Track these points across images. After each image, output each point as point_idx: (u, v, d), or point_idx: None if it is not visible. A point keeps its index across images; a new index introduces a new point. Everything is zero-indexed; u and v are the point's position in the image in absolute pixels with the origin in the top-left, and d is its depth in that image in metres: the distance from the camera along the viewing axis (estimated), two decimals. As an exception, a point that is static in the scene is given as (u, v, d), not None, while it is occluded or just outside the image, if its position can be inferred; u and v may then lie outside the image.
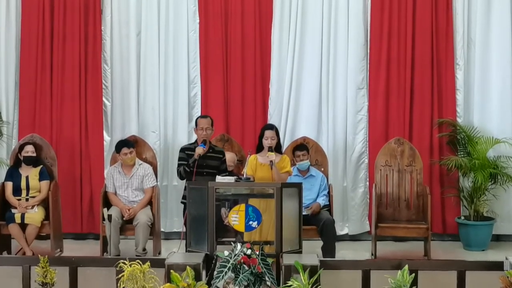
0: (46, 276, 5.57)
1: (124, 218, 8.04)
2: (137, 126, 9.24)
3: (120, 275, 5.30)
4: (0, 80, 9.24)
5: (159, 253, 8.24)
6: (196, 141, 7.86)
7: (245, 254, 5.66)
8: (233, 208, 6.64)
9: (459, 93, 9.19)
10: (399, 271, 5.27)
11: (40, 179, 8.24)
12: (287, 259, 5.94)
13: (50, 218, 8.10)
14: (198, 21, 9.25)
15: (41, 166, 8.32)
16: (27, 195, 8.20)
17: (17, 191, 8.20)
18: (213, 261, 6.14)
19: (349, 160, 9.23)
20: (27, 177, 8.23)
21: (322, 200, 8.17)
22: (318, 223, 7.89)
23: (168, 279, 5.58)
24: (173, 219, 9.19)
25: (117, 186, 8.25)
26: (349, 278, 6.20)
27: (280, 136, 7.90)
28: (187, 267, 5.56)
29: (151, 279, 5.30)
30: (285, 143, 8.90)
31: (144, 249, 7.98)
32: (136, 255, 7.68)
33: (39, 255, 5.65)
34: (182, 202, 7.87)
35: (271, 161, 7.31)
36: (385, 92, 9.16)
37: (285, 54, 9.24)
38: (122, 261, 5.36)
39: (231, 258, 5.67)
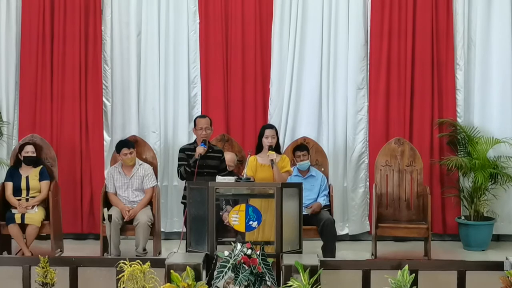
0: (46, 276, 5.57)
1: (124, 220, 8.04)
2: (137, 126, 9.25)
3: (120, 275, 5.30)
4: (0, 80, 9.24)
5: (159, 253, 8.25)
6: (195, 141, 7.86)
7: (245, 254, 5.67)
8: (233, 208, 6.65)
9: (459, 93, 9.19)
10: (399, 271, 5.27)
11: (40, 179, 8.24)
12: (287, 259, 5.95)
13: (50, 218, 8.11)
14: (198, 21, 9.25)
15: (41, 166, 8.32)
16: (27, 195, 8.20)
17: (17, 191, 8.20)
18: (213, 261, 6.14)
19: (349, 160, 9.23)
20: (27, 177, 8.23)
21: (322, 200, 8.17)
22: (319, 223, 7.89)
23: (168, 279, 5.58)
24: (173, 219, 9.19)
25: (117, 187, 8.25)
26: (349, 278, 6.20)
27: (280, 136, 7.92)
28: (187, 267, 5.56)
29: (151, 279, 5.30)
30: (285, 143, 8.90)
31: (144, 249, 7.98)
32: (136, 255, 7.68)
33: (39, 255, 5.65)
34: (182, 202, 7.89)
35: (272, 160, 7.31)
36: (385, 92, 9.16)
37: (285, 54, 9.24)
38: (122, 261, 5.36)
39: (231, 258, 5.68)
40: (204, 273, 6.04)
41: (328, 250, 7.81)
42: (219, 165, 7.73)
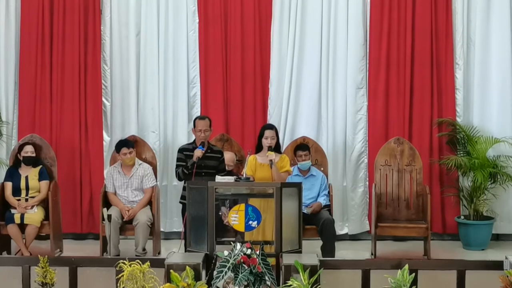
0: (46, 276, 5.57)
1: (123, 220, 8.04)
2: (136, 126, 9.24)
3: (119, 275, 5.31)
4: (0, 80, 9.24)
5: (159, 253, 8.24)
6: (194, 141, 7.85)
7: (244, 254, 5.67)
8: (233, 208, 6.65)
9: (458, 93, 9.19)
10: (399, 271, 5.27)
11: (40, 179, 8.24)
12: (287, 259, 5.95)
13: (49, 218, 8.10)
14: (197, 21, 9.25)
15: (41, 166, 8.31)
16: (26, 195, 8.20)
17: (16, 191, 8.19)
18: (213, 261, 6.14)
19: (349, 159, 9.23)
20: (26, 177, 8.22)
21: (323, 200, 8.16)
22: (318, 222, 7.89)
23: (168, 279, 5.59)
24: (172, 219, 9.19)
25: (116, 186, 8.25)
26: (349, 278, 6.20)
27: (279, 135, 7.91)
28: (187, 267, 5.57)
29: (150, 279, 5.30)
30: (285, 143, 8.90)
31: (144, 249, 7.98)
32: (136, 255, 7.68)
33: (39, 255, 5.65)
34: (181, 202, 7.89)
35: (270, 161, 7.32)
36: (384, 91, 9.16)
37: (285, 54, 9.24)
38: (121, 261, 5.36)
39: (231, 258, 5.68)
40: (203, 273, 6.04)
41: (328, 249, 7.81)
42: (218, 166, 7.72)
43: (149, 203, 8.21)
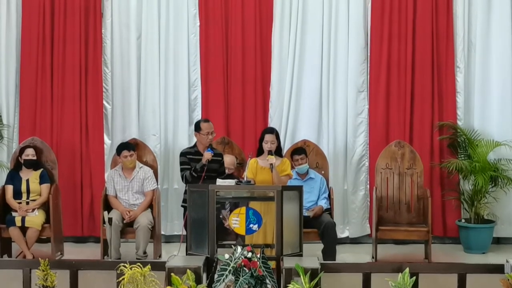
0: (46, 279, 5.57)
1: (124, 221, 8.04)
2: (137, 129, 9.24)
3: (120, 278, 5.30)
4: (0, 83, 9.24)
5: (160, 256, 8.25)
6: (195, 144, 7.84)
7: (245, 257, 5.66)
8: (233, 211, 6.65)
9: (459, 96, 9.19)
10: (400, 274, 5.27)
11: (41, 182, 8.24)
12: (288, 262, 5.95)
13: (50, 221, 8.11)
14: (198, 24, 9.25)
15: (42, 169, 8.32)
16: (27, 198, 8.20)
17: (17, 195, 8.20)
18: (214, 264, 6.14)
19: (350, 163, 9.23)
20: (27, 181, 8.23)
21: (324, 203, 8.17)
22: (319, 226, 7.89)
23: (169, 282, 5.59)
24: (173, 222, 9.18)
25: (117, 189, 8.25)
26: (349, 281, 6.20)
27: (280, 139, 7.91)
28: (188, 270, 5.57)
29: (151, 282, 5.30)
30: (286, 146, 8.89)
31: (144, 252, 7.98)
32: (137, 258, 7.67)
33: (40, 258, 5.64)
34: (182, 206, 7.88)
35: (271, 164, 7.31)
36: (385, 95, 9.16)
37: (286, 57, 9.24)
38: (122, 264, 5.36)
39: (231, 261, 5.67)
40: (204, 276, 6.03)
41: (329, 253, 7.81)
42: (219, 169, 7.73)
43: (150, 206, 8.21)
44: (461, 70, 9.18)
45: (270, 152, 7.40)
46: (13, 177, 8.27)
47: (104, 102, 9.28)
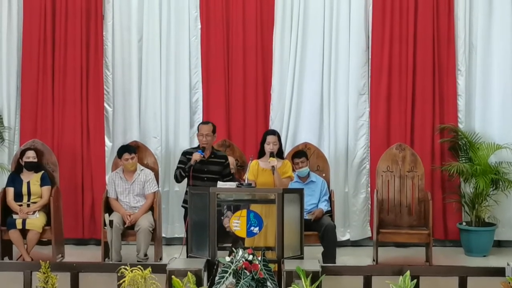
0: (47, 281, 5.55)
1: (125, 225, 8.04)
2: (138, 132, 9.25)
3: (121, 281, 5.30)
4: (1, 85, 9.25)
5: (161, 259, 8.25)
6: (198, 146, 7.88)
7: (246, 259, 5.66)
8: (234, 214, 6.65)
9: (460, 99, 9.19)
10: (401, 277, 5.25)
11: (42, 185, 8.25)
12: (289, 265, 5.95)
13: (51, 224, 8.11)
14: (199, 26, 9.26)
15: (43, 171, 8.32)
16: (28, 200, 8.20)
17: (18, 197, 8.20)
18: (215, 267, 6.14)
19: (351, 165, 9.23)
20: (28, 183, 8.23)
21: (324, 206, 8.16)
22: (319, 228, 7.89)
23: (170, 284, 5.58)
24: (174, 225, 9.18)
25: (118, 192, 8.25)
26: (350, 284, 6.21)
27: (281, 141, 7.91)
28: (188, 272, 5.55)
29: (152, 284, 5.29)
30: (287, 149, 8.89)
31: (145, 255, 7.98)
32: (138, 261, 7.68)
33: (41, 261, 5.63)
34: (183, 206, 7.89)
35: (272, 167, 7.31)
36: (386, 97, 9.16)
37: (287, 59, 9.24)
38: (123, 266, 5.35)
39: (232, 263, 5.67)
40: (205, 279, 6.03)
41: (329, 256, 7.81)
42: (222, 171, 7.73)
43: (151, 208, 8.21)
44: (462, 73, 9.18)
45: (271, 154, 7.40)
46: (14, 180, 8.27)
47: (105, 105, 9.28)
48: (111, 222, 7.72)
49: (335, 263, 7.71)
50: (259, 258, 5.71)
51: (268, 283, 5.67)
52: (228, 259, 5.74)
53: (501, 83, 9.12)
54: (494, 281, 5.80)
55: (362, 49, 9.20)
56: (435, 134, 9.16)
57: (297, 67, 9.20)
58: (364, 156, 9.23)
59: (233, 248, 5.96)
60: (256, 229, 6.55)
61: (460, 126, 9.15)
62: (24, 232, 8.03)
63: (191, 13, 9.24)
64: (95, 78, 9.23)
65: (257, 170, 7.45)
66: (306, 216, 7.67)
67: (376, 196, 8.39)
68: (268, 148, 7.47)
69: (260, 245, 6.70)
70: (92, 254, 8.57)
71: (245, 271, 5.62)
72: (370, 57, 9.22)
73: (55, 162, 8.54)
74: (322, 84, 9.23)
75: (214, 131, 7.82)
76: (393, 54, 9.16)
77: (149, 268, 5.33)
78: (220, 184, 6.97)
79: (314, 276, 5.42)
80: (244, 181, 7.16)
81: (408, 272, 5.30)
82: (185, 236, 7.30)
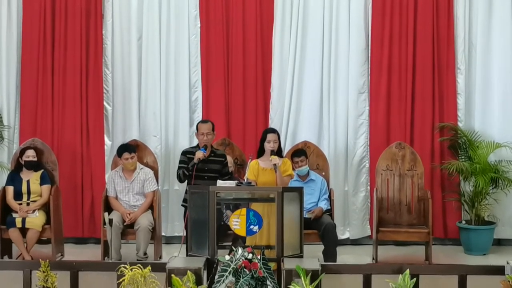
0: (47, 280, 5.56)
1: (124, 223, 8.04)
2: (138, 131, 9.25)
3: (121, 280, 5.30)
4: (1, 84, 9.24)
5: (160, 258, 8.25)
6: (197, 145, 7.88)
7: (246, 258, 5.66)
8: (234, 212, 6.65)
9: (460, 97, 9.19)
10: (400, 276, 5.27)
11: (41, 184, 8.25)
12: (288, 264, 5.95)
13: (51, 223, 8.11)
14: (199, 25, 9.25)
15: (42, 170, 8.32)
16: (28, 199, 8.20)
17: (18, 196, 8.20)
18: (214, 265, 6.14)
19: (350, 164, 9.23)
20: (28, 182, 8.23)
21: (324, 205, 8.16)
22: (319, 227, 7.89)
23: (169, 283, 5.58)
24: (174, 224, 9.18)
25: (118, 191, 8.25)
26: (350, 283, 6.20)
27: (281, 140, 7.91)
28: (188, 271, 5.57)
29: (152, 283, 5.29)
30: (286, 148, 8.90)
31: (145, 254, 7.98)
32: (137, 260, 7.68)
33: (40, 259, 5.64)
34: (182, 205, 7.90)
35: (274, 165, 7.31)
36: (386, 96, 9.16)
37: (286, 58, 9.24)
38: (123, 265, 5.36)
39: (232, 262, 5.67)
40: (205, 278, 6.03)
41: (329, 254, 7.81)
42: (221, 169, 7.74)
43: (150, 207, 8.21)
44: (461, 71, 9.18)
45: (272, 152, 7.40)
46: (14, 178, 8.27)
47: (105, 103, 9.28)
48: (110, 220, 7.72)
49: (335, 261, 7.71)
50: (259, 257, 5.71)
51: (268, 282, 5.67)
52: (227, 257, 5.75)
53: (500, 82, 9.12)
54: (493, 279, 5.81)
55: (362, 48, 9.20)
56: (434, 133, 9.16)
57: (296, 66, 9.20)
58: (363, 154, 9.23)
59: (233, 247, 5.96)
60: (255, 228, 6.55)
61: (460, 124, 9.15)
62: (23, 230, 8.03)
63: (190, 12, 9.24)
64: (94, 77, 9.23)
65: (258, 170, 7.45)
66: (306, 215, 7.68)
67: (375, 195, 8.39)
68: (268, 146, 7.46)
69: (262, 244, 6.72)
70: (92, 252, 8.58)
71: (245, 269, 5.62)
72: (369, 55, 9.22)
73: (55, 161, 8.54)
74: (321, 82, 9.23)
75: (213, 129, 7.85)
76: (392, 52, 9.16)
77: (149, 267, 5.34)
78: (220, 182, 6.97)
79: (314, 275, 5.43)
80: (244, 180, 7.16)
81: (407, 271, 5.32)
82: (185, 234, 7.30)
